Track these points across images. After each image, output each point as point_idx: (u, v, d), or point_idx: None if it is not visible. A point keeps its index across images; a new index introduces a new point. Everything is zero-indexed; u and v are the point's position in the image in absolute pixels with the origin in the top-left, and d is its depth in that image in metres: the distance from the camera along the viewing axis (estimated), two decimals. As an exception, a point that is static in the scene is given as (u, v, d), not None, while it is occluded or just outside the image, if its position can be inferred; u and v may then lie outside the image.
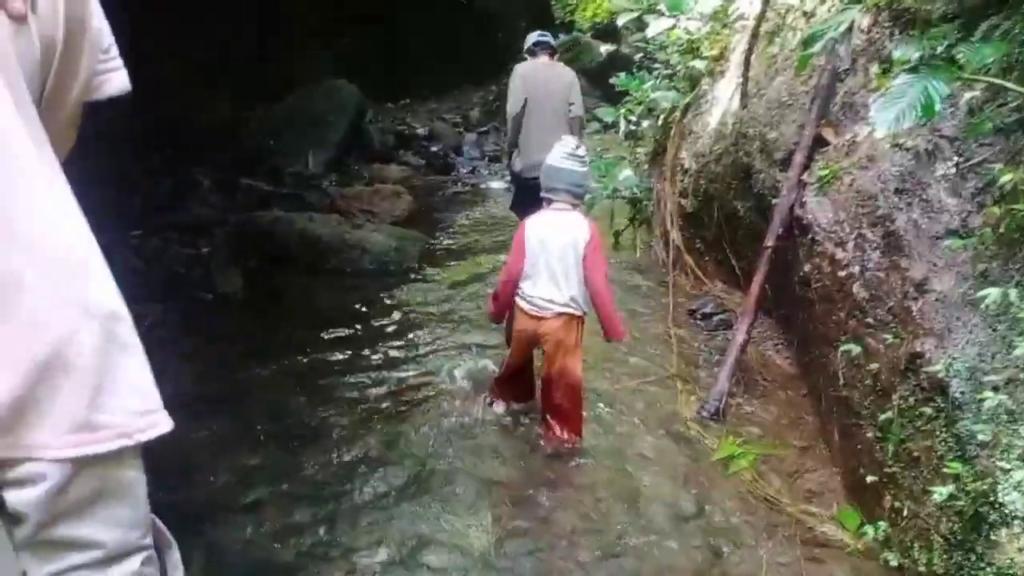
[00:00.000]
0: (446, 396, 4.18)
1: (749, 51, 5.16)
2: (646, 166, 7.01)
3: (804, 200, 4.04)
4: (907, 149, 3.45)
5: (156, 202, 6.81)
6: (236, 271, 5.56)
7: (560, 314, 3.51)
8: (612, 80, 6.67)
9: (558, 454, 3.69)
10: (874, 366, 3.07)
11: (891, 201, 3.36)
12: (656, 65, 7.22)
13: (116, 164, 6.36)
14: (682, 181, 6.10)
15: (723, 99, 5.89)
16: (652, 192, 6.55)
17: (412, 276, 5.97)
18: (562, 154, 3.55)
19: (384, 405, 4.11)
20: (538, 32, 5.86)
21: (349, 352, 4.72)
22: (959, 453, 2.52)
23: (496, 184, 9.06)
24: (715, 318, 5.17)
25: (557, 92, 5.45)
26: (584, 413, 3.83)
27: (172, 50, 7.93)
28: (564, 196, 3.52)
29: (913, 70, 2.75)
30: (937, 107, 2.62)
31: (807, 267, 3.89)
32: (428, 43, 12.35)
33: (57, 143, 0.87)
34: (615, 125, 7.46)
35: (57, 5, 0.81)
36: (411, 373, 4.45)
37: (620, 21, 6.86)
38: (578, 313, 3.56)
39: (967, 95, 3.21)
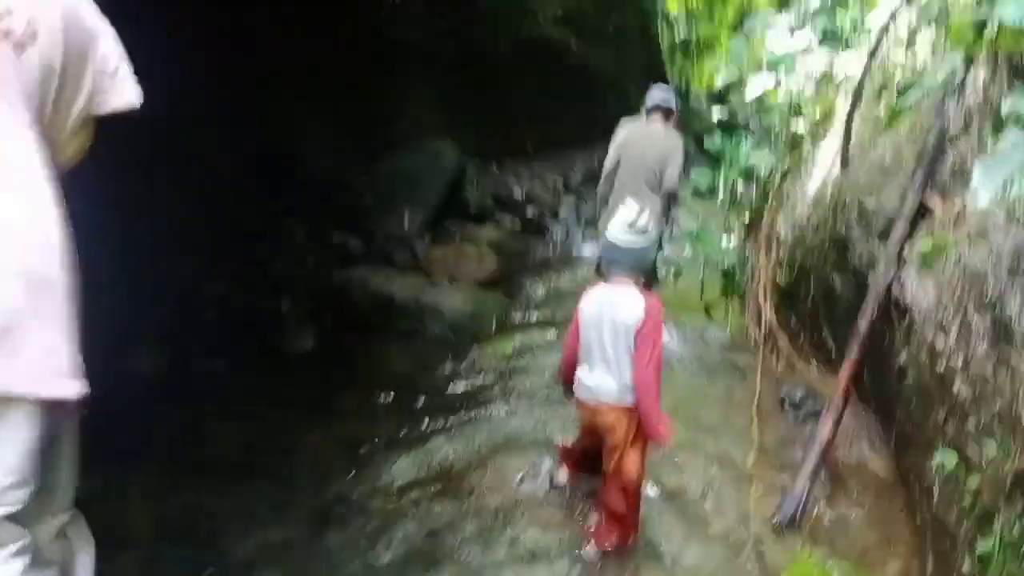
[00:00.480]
0: (493, 483, 3.82)
1: (852, 110, 4.69)
2: (742, 234, 6.53)
3: (903, 277, 3.53)
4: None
5: (248, 257, 6.88)
6: (308, 331, 5.47)
7: (614, 407, 3.05)
8: (705, 145, 6.27)
9: (605, 557, 3.25)
10: (974, 483, 2.53)
11: (1002, 283, 2.83)
12: (757, 128, 6.80)
13: (217, 219, 6.48)
14: (777, 252, 5.61)
15: (824, 164, 5.40)
16: (747, 263, 6.06)
17: (484, 343, 5.69)
18: (621, 227, 3.09)
19: (428, 487, 3.79)
20: (661, 90, 5.55)
21: (402, 424, 4.45)
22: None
23: (589, 250, 8.73)
24: (805, 407, 4.59)
25: (652, 159, 5.16)
26: (642, 511, 3.39)
27: (285, 109, 8.19)
28: (622, 270, 3.09)
29: (1024, 127, 2.28)
30: (1053, 172, 2.14)
31: (903, 356, 3.36)
32: (536, 104, 12.26)
33: (60, 151, 1.02)
34: (714, 190, 7.03)
35: (56, 36, 0.92)
36: (462, 452, 4.12)
37: (720, 82, 6.50)
38: (629, 405, 3.05)
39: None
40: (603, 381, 3.05)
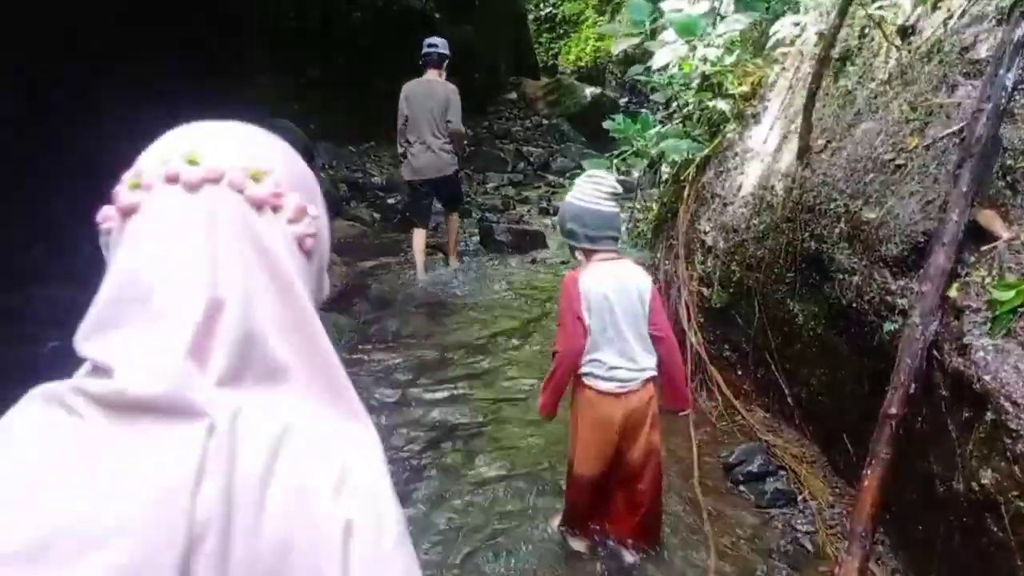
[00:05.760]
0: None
1: (815, 85, 3.32)
2: (647, 236, 5.16)
3: (965, 340, 2.16)
4: None
5: None
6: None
7: (647, 380, 2.64)
8: (605, 125, 4.82)
9: None
10: None
11: None
12: (651, 105, 5.41)
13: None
14: (703, 263, 4.23)
15: (761, 152, 4.05)
16: (660, 273, 4.67)
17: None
18: (599, 195, 2.63)
19: None
20: (427, 42, 6.01)
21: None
22: None
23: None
24: (768, 483, 3.24)
25: (435, 109, 5.76)
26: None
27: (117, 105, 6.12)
28: (609, 244, 2.65)
29: None
30: None
31: (987, 475, 2.00)
32: (398, 80, 10.53)
33: None
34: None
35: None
36: None
37: (617, 48, 5.04)
38: (656, 375, 2.68)
39: None
40: (631, 362, 2.61)
